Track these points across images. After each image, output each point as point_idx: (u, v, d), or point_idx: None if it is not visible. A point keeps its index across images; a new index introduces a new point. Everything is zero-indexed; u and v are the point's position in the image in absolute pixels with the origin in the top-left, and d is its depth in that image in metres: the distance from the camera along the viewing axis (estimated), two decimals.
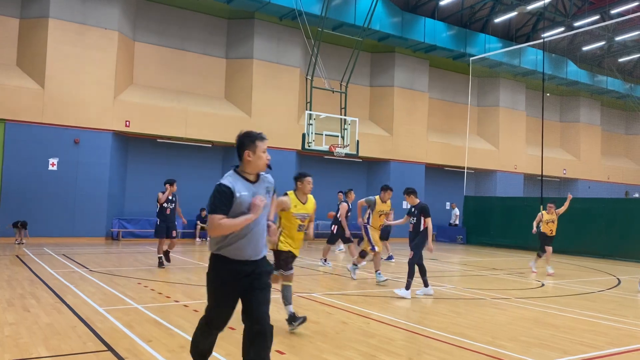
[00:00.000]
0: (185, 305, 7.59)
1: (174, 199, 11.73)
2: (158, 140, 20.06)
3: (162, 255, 11.65)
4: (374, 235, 10.65)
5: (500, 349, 5.77)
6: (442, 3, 24.95)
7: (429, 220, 8.96)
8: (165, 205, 11.58)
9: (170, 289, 9.10)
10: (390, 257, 15.00)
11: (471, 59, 24.75)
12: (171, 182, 11.66)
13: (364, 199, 10.90)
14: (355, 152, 19.06)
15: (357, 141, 18.92)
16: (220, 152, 21.69)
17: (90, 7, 17.89)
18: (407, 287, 8.87)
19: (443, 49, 24.65)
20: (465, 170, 24.75)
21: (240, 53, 21.22)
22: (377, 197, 10.70)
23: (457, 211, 24.88)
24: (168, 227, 11.63)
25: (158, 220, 11.67)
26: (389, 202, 10.69)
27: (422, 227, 9.00)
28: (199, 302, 7.87)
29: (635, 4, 24.48)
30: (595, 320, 7.54)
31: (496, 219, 22.40)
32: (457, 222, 25.00)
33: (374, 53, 25.08)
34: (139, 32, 19.86)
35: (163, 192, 11.60)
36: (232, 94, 21.30)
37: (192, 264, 13.00)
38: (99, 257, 13.49)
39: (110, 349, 5.27)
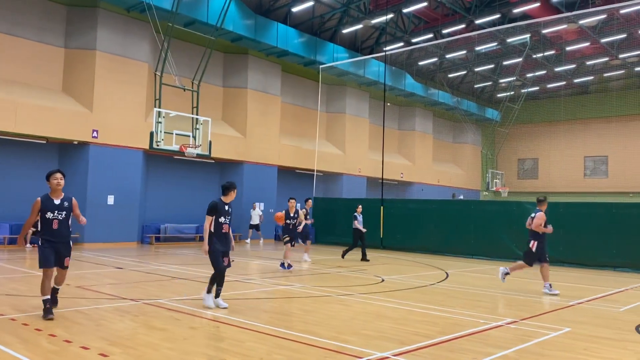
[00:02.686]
0: (13, 319, 6.82)
1: (65, 203, 7.24)
2: None
3: (49, 296, 7.11)
4: None
5: (344, 343, 6.09)
6: (294, 10, 25.60)
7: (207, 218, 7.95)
8: (49, 215, 7.09)
9: None
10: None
11: (321, 66, 25.76)
12: (49, 175, 7.23)
13: None
14: (207, 153, 18.71)
15: (210, 142, 18.60)
16: (55, 149, 19.84)
17: None
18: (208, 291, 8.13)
19: (295, 54, 25.30)
20: (315, 173, 25.66)
21: (81, 43, 19.61)
22: None
23: (259, 211, 23.57)
24: (57, 250, 7.13)
25: (40, 240, 7.13)
26: None
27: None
28: (29, 314, 7.13)
29: (462, 26, 27.48)
30: (427, 312, 8.31)
31: (342, 219, 23.54)
32: (258, 222, 23.52)
33: (227, 53, 24.89)
34: None
35: (43, 197, 7.16)
36: (70, 87, 19.60)
37: (21, 273, 11.71)
38: None
39: None
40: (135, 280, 10.97)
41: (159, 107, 17.67)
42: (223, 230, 7.96)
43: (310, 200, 17.60)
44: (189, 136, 18.26)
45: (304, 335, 6.37)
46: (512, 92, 38.28)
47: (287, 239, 13.57)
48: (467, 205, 21.80)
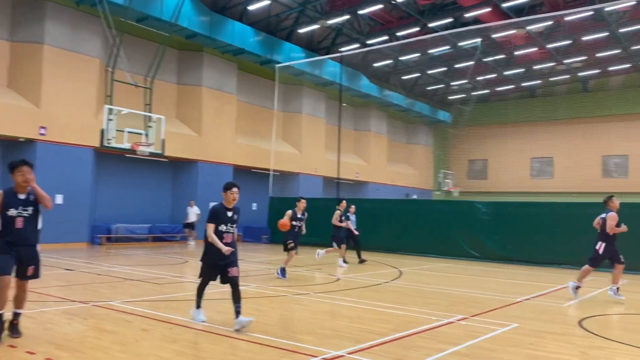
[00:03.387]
0: None
1: (32, 197, 6.04)
2: None
3: (3, 311, 5.87)
4: None
5: (300, 342, 6.12)
6: (250, 8, 25.41)
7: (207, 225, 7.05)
8: (12, 213, 5.92)
9: None
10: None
11: (277, 66, 25.68)
12: (13, 168, 5.99)
13: None
14: (160, 152, 18.34)
15: (163, 140, 18.24)
16: None
17: None
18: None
19: (251, 53, 25.14)
20: (271, 172, 25.56)
21: (28, 36, 18.84)
22: None
23: (197, 209, 22.46)
24: (19, 256, 5.92)
25: None
26: None
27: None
28: None
29: (417, 29, 27.97)
30: (381, 310, 8.44)
31: None
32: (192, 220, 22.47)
33: (182, 50, 24.46)
34: None
35: (6, 190, 6.00)
36: (16, 82, 18.81)
37: None
38: None
39: None
40: (85, 282, 10.65)
41: (111, 104, 17.20)
42: (224, 241, 6.87)
43: (344, 202, 16.25)
44: (141, 134, 17.86)
45: (258, 336, 6.36)
46: (463, 95, 39.25)
47: (292, 245, 12.11)
48: (420, 205, 22.24)
